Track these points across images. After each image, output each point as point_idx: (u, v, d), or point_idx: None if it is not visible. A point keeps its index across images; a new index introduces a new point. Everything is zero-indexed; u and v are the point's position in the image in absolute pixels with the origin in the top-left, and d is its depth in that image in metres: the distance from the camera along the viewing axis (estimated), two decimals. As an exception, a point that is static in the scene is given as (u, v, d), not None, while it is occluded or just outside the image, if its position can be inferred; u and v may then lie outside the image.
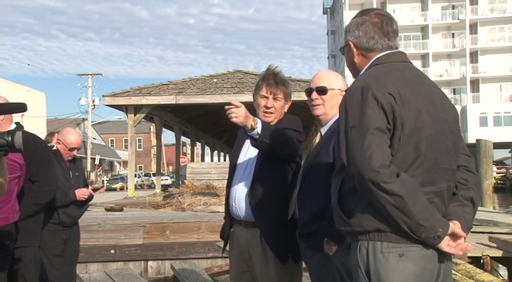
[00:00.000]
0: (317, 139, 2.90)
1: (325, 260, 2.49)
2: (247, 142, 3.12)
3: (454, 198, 2.09)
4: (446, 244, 1.93)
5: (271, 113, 3.08)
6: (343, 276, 2.39)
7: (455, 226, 1.96)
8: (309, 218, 2.64)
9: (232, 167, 3.19)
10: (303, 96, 2.91)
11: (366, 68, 2.16)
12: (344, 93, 2.56)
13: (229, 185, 3.18)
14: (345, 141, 1.96)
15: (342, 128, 1.99)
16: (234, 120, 2.69)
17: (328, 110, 2.77)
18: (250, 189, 3.02)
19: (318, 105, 2.79)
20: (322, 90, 2.77)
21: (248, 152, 3.13)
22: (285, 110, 3.16)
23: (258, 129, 2.75)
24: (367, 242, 1.96)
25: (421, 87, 2.04)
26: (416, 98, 1.98)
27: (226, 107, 2.70)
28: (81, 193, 4.61)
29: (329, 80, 2.78)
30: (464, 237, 2.01)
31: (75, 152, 4.66)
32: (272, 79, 3.09)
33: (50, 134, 6.35)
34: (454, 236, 1.95)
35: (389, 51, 2.15)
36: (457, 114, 2.19)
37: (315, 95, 2.79)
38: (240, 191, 3.07)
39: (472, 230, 7.42)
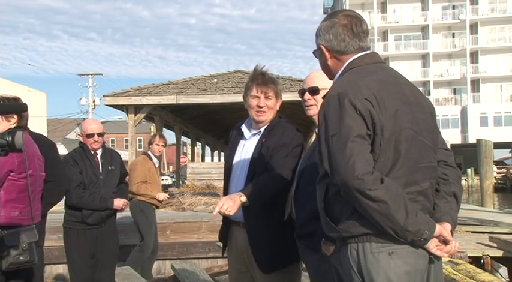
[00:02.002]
0: (313, 139, 2.90)
1: (323, 260, 2.49)
2: (242, 143, 3.15)
3: (438, 195, 2.11)
4: (433, 246, 1.96)
5: (264, 111, 3.08)
6: (341, 276, 2.40)
7: (443, 229, 1.98)
8: (306, 218, 2.64)
9: (228, 168, 3.19)
10: (304, 97, 2.91)
11: (340, 72, 2.16)
12: None
13: (225, 186, 3.19)
14: (326, 150, 1.96)
15: (323, 136, 1.99)
16: (232, 213, 2.80)
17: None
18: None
19: (311, 105, 2.79)
20: (314, 91, 2.77)
21: (243, 152, 3.13)
22: (277, 108, 3.16)
23: (246, 202, 2.83)
24: (356, 244, 1.97)
25: (395, 88, 2.04)
26: (392, 99, 1.99)
27: (215, 214, 2.83)
28: (119, 203, 4.55)
29: (321, 79, 2.75)
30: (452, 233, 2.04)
31: (95, 138, 4.50)
32: (261, 79, 3.10)
33: (154, 136, 6.50)
34: (442, 238, 1.98)
35: (361, 54, 2.15)
36: (433, 110, 2.19)
37: (307, 95, 2.80)
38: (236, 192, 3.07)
39: (472, 230, 7.43)
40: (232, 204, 2.77)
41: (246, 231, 3.01)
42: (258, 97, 3.08)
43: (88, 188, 4.42)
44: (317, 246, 2.48)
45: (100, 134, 4.54)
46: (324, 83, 2.73)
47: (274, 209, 2.94)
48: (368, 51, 2.18)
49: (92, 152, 4.54)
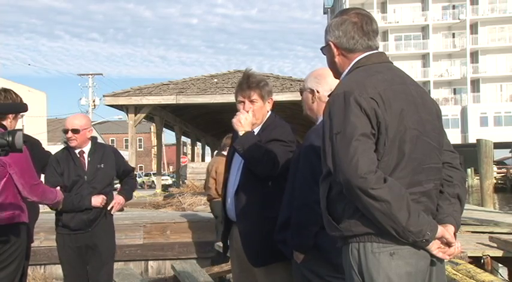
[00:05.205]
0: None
1: (297, 265, 2.56)
2: None
3: (441, 197, 2.10)
4: (435, 247, 1.95)
5: (252, 115, 3.14)
6: None
7: (445, 231, 1.97)
8: (280, 224, 2.71)
9: (227, 169, 3.25)
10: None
11: (347, 71, 2.16)
12: (314, 92, 2.69)
13: (224, 185, 3.25)
14: (330, 148, 1.95)
15: (327, 134, 1.99)
16: (234, 119, 3.04)
17: (306, 110, 2.83)
18: (236, 189, 3.08)
19: (303, 105, 2.87)
20: (300, 91, 2.87)
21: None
22: (268, 108, 3.22)
23: (246, 134, 3.00)
24: (357, 243, 1.97)
25: (401, 88, 2.04)
26: (398, 99, 1.98)
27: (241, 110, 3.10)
28: (97, 201, 4.15)
29: (307, 80, 2.85)
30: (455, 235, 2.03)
31: (68, 135, 4.14)
32: (245, 83, 3.17)
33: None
34: (444, 240, 1.97)
35: (368, 53, 2.14)
36: (439, 111, 2.19)
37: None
38: (233, 192, 3.12)
39: (472, 230, 7.42)
40: (244, 120, 3.06)
41: (236, 227, 3.08)
42: (243, 102, 3.16)
43: (71, 190, 4.12)
44: (289, 253, 2.57)
45: (75, 131, 4.14)
46: (305, 85, 2.83)
47: (266, 207, 2.98)
48: (375, 51, 2.17)
49: (78, 151, 4.22)
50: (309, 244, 2.45)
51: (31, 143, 3.95)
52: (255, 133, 3.14)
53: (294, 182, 2.63)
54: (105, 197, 4.23)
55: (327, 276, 2.42)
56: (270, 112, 3.24)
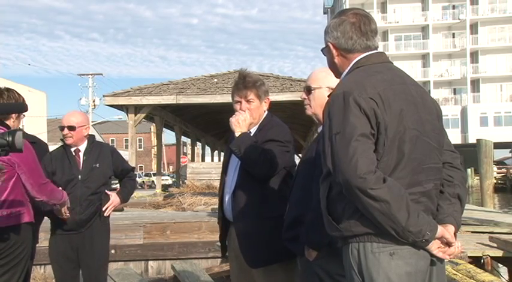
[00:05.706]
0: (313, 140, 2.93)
1: (308, 263, 2.53)
2: None
3: (442, 197, 2.10)
4: (435, 247, 1.95)
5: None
6: (324, 281, 2.43)
7: (445, 231, 1.98)
8: (289, 222, 2.68)
9: (224, 169, 3.25)
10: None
11: (346, 71, 2.16)
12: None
13: (221, 185, 3.25)
14: (329, 148, 1.95)
15: (326, 135, 1.99)
16: (231, 119, 3.05)
17: (316, 109, 2.70)
18: (233, 190, 3.08)
19: (306, 105, 2.76)
20: (307, 90, 2.75)
21: None
22: (265, 108, 3.22)
23: (243, 135, 3.00)
24: (357, 243, 1.97)
25: (401, 88, 2.03)
26: (398, 99, 1.98)
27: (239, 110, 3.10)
28: (61, 211, 3.93)
29: (316, 79, 2.73)
30: (455, 235, 2.04)
31: (64, 131, 4.10)
32: (241, 83, 3.16)
33: None
34: (444, 240, 1.97)
35: (368, 53, 2.14)
36: (439, 111, 2.19)
37: (303, 94, 2.78)
38: (230, 193, 3.13)
39: (472, 230, 7.42)
40: (240, 120, 3.06)
41: (234, 228, 3.08)
42: (239, 102, 3.15)
43: (65, 189, 3.96)
44: (300, 251, 2.53)
45: (71, 127, 4.09)
46: (320, 83, 2.72)
47: (263, 207, 2.98)
48: (375, 51, 2.17)
49: (73, 149, 4.14)
50: (324, 242, 2.44)
51: (39, 144, 3.92)
52: (252, 133, 3.13)
53: (305, 180, 2.59)
54: (66, 212, 3.96)
55: (336, 275, 2.42)
56: (266, 112, 3.24)
